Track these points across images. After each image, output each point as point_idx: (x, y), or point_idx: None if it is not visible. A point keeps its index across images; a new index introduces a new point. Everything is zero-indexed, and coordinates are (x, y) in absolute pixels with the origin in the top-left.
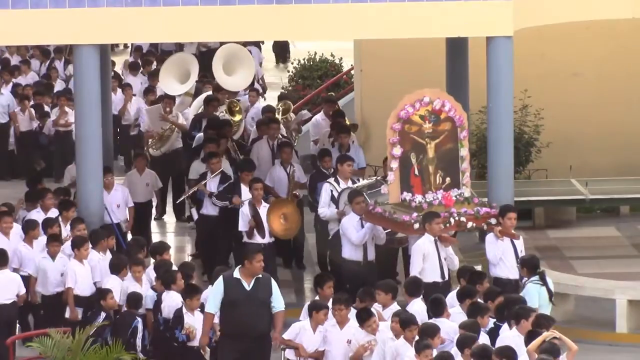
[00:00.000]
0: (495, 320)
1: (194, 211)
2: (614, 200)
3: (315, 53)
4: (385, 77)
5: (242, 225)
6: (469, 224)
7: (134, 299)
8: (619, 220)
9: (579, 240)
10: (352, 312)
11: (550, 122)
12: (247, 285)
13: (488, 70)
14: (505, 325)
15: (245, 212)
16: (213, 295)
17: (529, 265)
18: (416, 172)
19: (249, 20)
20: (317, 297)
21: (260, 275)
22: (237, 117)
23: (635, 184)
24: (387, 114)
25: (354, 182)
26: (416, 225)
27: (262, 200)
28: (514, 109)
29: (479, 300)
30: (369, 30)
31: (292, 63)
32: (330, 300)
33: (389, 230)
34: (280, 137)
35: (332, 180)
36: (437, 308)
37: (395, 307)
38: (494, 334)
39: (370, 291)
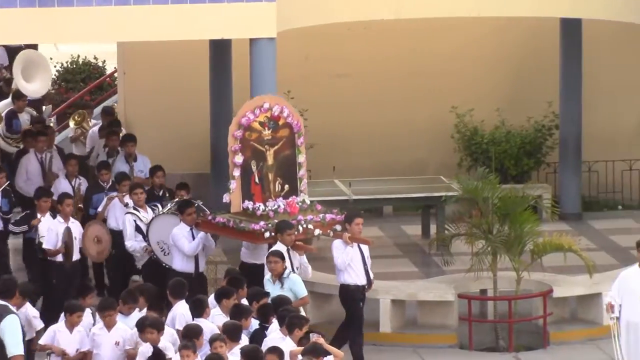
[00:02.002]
0: (260, 321)
1: None
2: (377, 200)
3: (79, 56)
4: (149, 79)
5: (50, 243)
6: (316, 231)
7: None
8: (383, 221)
9: None
10: (119, 316)
11: (314, 123)
12: None
13: (251, 71)
14: (272, 326)
15: (55, 229)
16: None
17: (284, 258)
18: (256, 180)
19: (10, 23)
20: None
21: None
22: None
23: (397, 184)
24: (150, 116)
25: (153, 210)
26: (267, 234)
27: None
28: None
29: (241, 302)
30: (132, 32)
31: (56, 66)
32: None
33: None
34: (55, 147)
35: (131, 209)
36: (198, 309)
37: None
38: (260, 334)
39: (134, 295)
